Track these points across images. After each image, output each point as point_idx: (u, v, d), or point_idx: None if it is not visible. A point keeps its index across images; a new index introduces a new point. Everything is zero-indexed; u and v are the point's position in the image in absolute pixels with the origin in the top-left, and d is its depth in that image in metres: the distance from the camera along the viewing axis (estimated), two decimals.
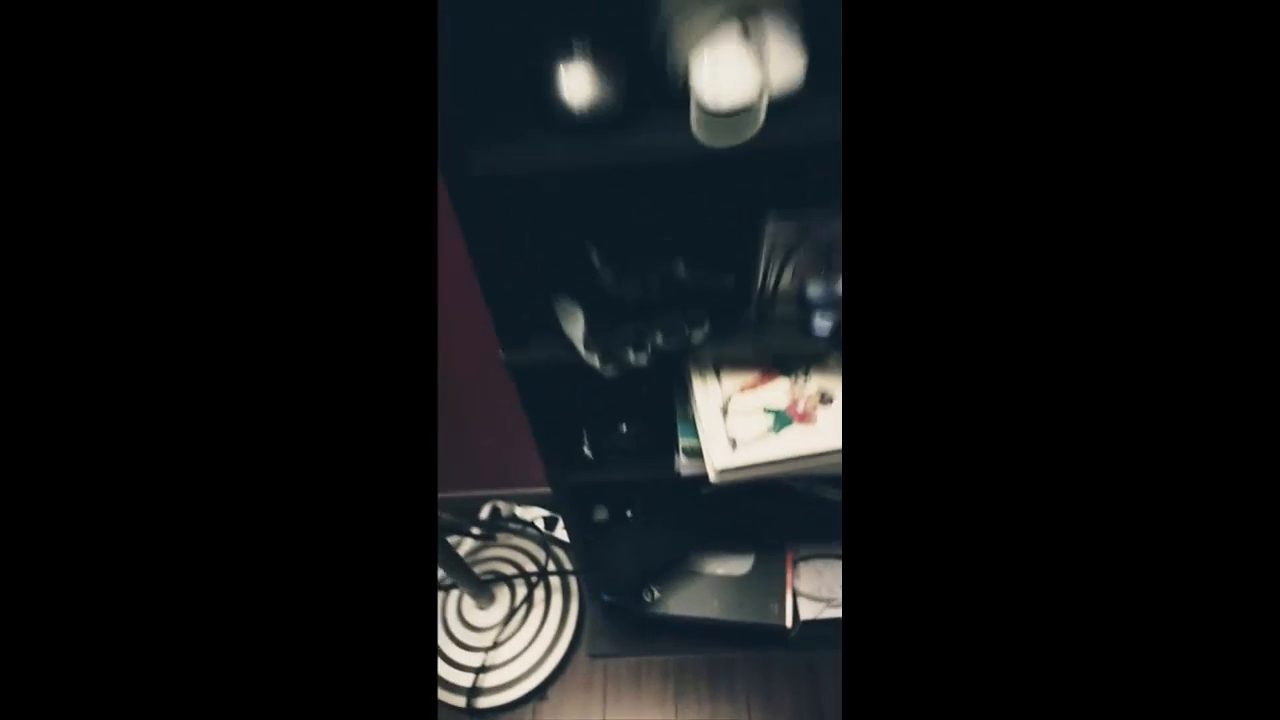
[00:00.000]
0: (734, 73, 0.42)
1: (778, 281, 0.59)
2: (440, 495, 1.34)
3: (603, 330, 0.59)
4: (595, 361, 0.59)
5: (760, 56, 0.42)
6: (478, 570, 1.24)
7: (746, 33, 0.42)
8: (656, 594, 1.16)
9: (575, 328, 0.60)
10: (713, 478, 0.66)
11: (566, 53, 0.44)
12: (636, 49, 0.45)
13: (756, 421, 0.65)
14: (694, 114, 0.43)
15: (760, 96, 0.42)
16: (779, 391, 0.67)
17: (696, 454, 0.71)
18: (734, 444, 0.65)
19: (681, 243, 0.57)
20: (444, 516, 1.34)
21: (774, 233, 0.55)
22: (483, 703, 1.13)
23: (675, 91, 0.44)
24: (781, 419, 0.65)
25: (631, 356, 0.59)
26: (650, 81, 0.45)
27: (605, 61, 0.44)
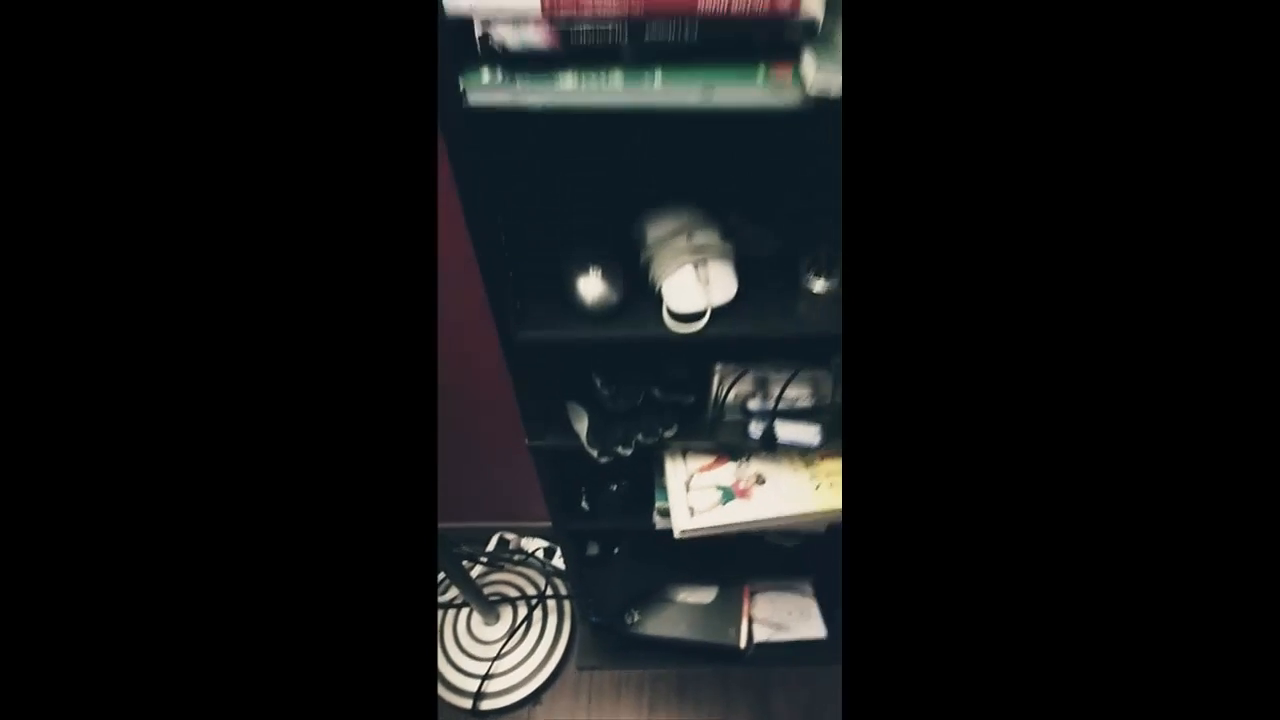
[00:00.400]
0: (689, 293, 0.65)
1: (724, 400, 0.82)
2: (456, 525, 1.52)
3: (600, 430, 0.82)
4: (594, 452, 0.81)
5: (706, 283, 0.65)
6: (486, 592, 1.40)
7: (697, 268, 0.65)
8: (636, 617, 1.31)
9: (581, 426, 0.82)
10: (677, 535, 0.89)
11: (585, 269, 0.67)
12: (630, 269, 0.68)
13: (710, 495, 0.88)
14: (665, 314, 0.67)
15: (706, 308, 0.65)
16: (727, 473, 0.90)
17: (667, 514, 0.93)
18: (692, 511, 0.87)
19: (657, 376, 0.81)
20: (461, 547, 1.53)
21: (721, 371, 0.79)
22: (486, 705, 1.28)
23: (654, 297, 0.68)
24: (728, 494, 0.88)
25: (620, 449, 0.82)
26: (639, 289, 0.68)
27: (611, 275, 0.67)
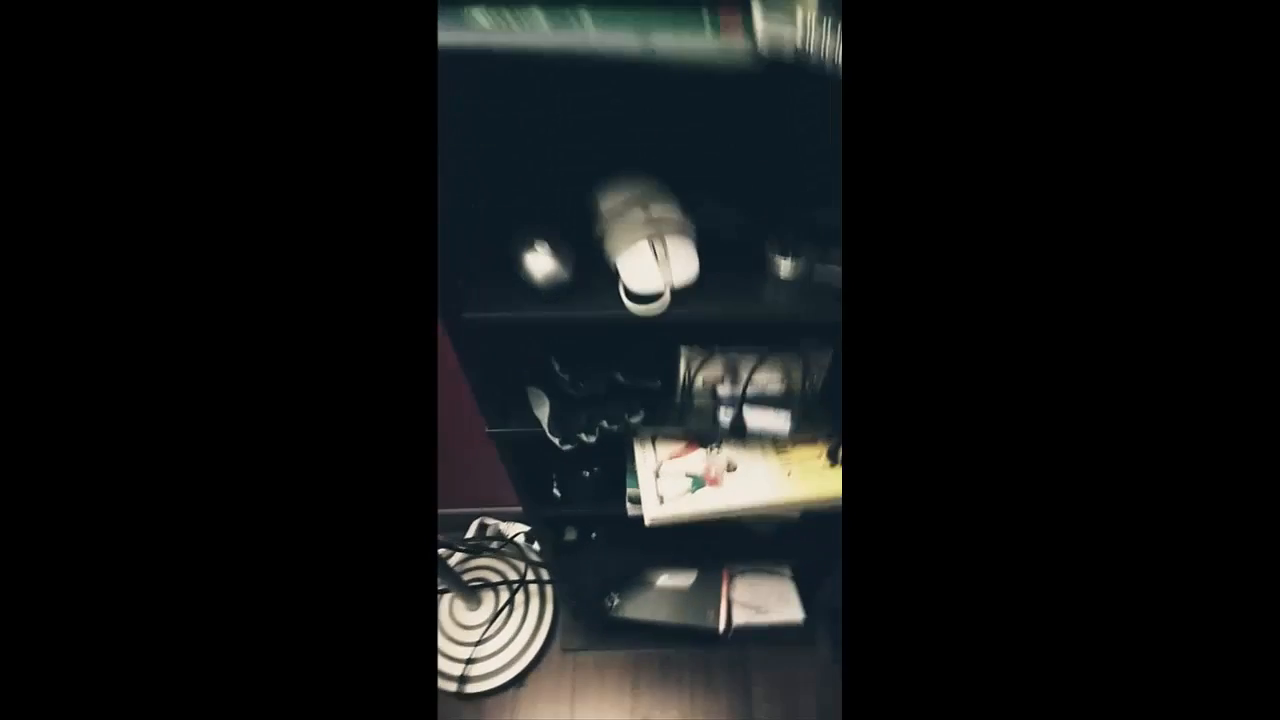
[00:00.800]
0: (646, 272, 0.58)
1: (692, 385, 0.75)
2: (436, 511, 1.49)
3: (562, 416, 0.75)
4: (556, 439, 0.75)
5: (665, 261, 0.58)
6: (468, 577, 1.36)
7: (655, 244, 0.58)
8: (616, 601, 1.28)
9: (542, 413, 0.76)
10: (647, 523, 0.83)
11: (531, 244, 0.60)
12: (584, 245, 0.61)
13: (679, 483, 0.82)
14: (622, 293, 0.60)
15: (665, 288, 0.58)
16: (697, 460, 0.84)
17: (639, 501, 0.87)
18: (662, 499, 0.81)
19: (620, 360, 0.74)
20: (439, 535, 1.48)
21: (688, 355, 0.72)
22: (471, 688, 1.25)
23: (610, 275, 0.61)
24: (698, 482, 0.82)
25: (584, 436, 0.75)
26: (594, 267, 0.61)
27: (560, 251, 0.60)
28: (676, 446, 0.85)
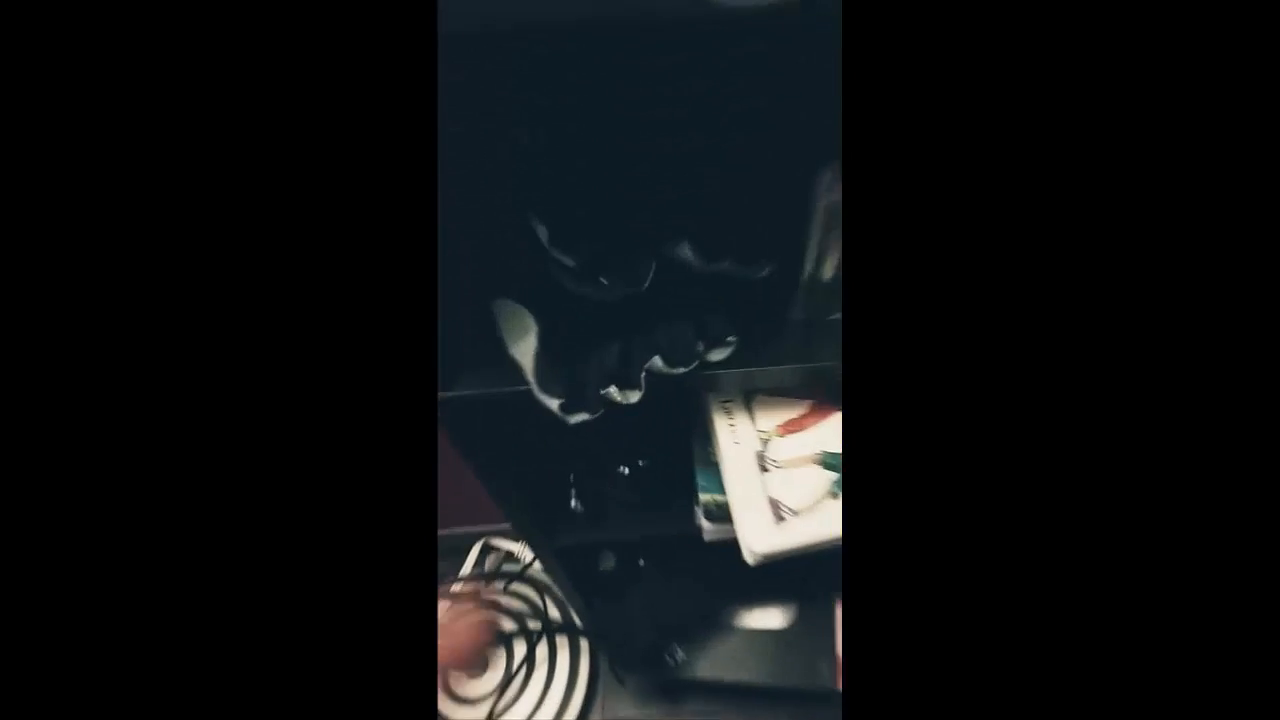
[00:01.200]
0: None
1: (826, 272, 0.35)
2: None
3: (564, 355, 0.36)
4: (552, 403, 0.36)
5: None
6: None
7: None
8: (682, 655, 0.92)
9: (525, 348, 0.37)
10: (749, 559, 0.43)
11: None
12: None
13: (808, 478, 0.42)
14: None
15: None
16: (833, 431, 0.43)
17: (724, 515, 0.48)
18: (779, 513, 0.41)
19: (683, 208, 0.34)
20: None
21: (830, 190, 0.32)
22: None
23: None
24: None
25: (614, 394, 0.36)
26: None
27: None
28: (795, 407, 0.44)
